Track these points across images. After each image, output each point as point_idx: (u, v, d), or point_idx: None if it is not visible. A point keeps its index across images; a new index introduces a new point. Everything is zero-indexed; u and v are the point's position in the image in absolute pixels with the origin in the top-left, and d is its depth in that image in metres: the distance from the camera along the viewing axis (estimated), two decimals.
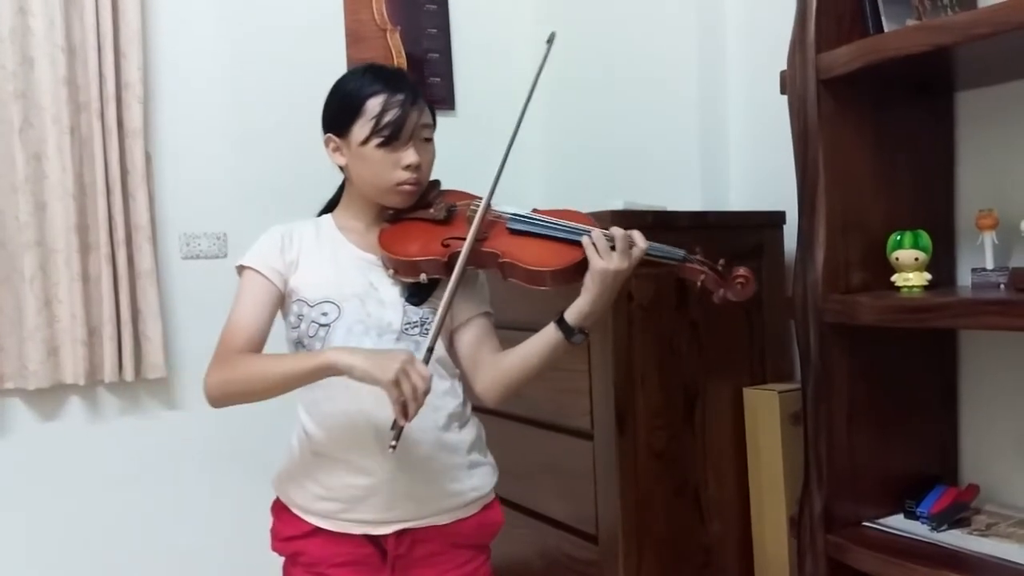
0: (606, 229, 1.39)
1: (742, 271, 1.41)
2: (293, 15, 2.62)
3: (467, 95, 2.87)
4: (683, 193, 2.31)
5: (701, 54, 2.30)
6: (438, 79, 2.83)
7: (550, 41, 1.47)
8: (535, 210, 1.50)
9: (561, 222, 1.44)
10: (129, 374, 2.34)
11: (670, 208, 2.01)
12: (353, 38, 2.71)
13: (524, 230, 1.44)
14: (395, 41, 2.76)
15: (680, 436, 1.88)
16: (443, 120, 2.77)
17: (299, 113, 2.60)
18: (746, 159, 2.29)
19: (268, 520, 2.57)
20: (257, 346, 1.42)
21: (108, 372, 2.31)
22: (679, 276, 1.45)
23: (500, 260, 1.41)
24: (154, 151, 2.43)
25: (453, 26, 2.87)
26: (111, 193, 2.31)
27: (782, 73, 1.62)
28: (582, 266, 1.39)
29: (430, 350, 1.33)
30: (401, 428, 1.27)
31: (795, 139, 1.59)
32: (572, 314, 1.38)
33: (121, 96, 2.33)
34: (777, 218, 2.03)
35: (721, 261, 1.42)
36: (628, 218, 1.80)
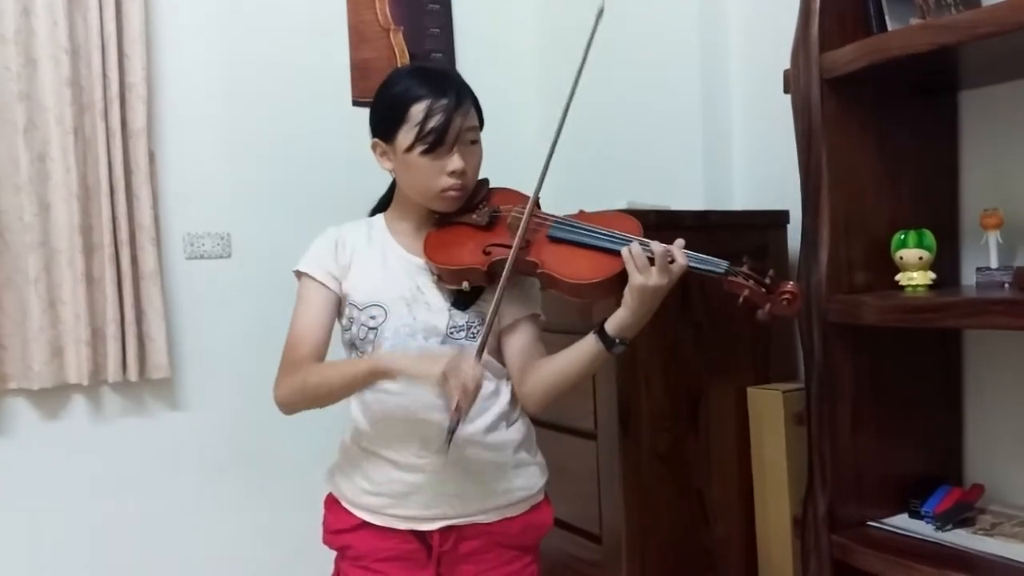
0: (647, 239, 1.33)
1: (790, 286, 1.31)
2: (296, 15, 2.62)
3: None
4: (686, 193, 2.30)
5: (704, 53, 2.30)
6: None
7: (599, 16, 1.42)
8: (582, 211, 1.47)
9: (603, 230, 1.38)
10: (133, 374, 2.34)
11: (674, 208, 2.01)
12: (356, 38, 2.71)
13: (565, 238, 1.40)
14: (398, 41, 2.76)
15: (684, 436, 1.88)
16: None
17: (303, 112, 2.62)
18: (749, 158, 2.29)
19: (270, 519, 2.59)
20: (321, 353, 1.43)
21: (112, 372, 2.31)
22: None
23: (539, 271, 1.39)
24: (158, 151, 2.43)
25: (456, 26, 2.87)
26: (115, 193, 2.31)
27: (786, 72, 1.61)
28: (622, 278, 1.34)
29: (480, 350, 1.33)
30: (453, 427, 1.28)
31: (799, 138, 1.59)
32: (612, 325, 1.35)
33: (125, 97, 2.33)
34: (781, 217, 2.03)
35: (770, 273, 1.33)
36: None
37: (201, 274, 2.51)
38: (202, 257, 2.51)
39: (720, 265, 1.34)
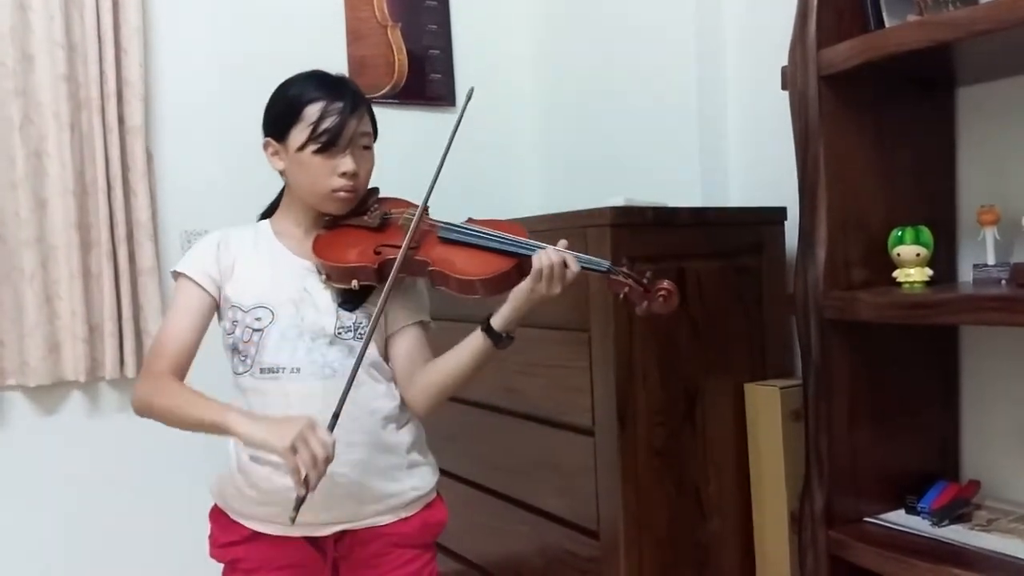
0: (544, 242, 1.39)
1: (665, 284, 1.40)
2: (294, 12, 2.62)
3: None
4: (683, 189, 2.30)
5: (701, 49, 2.30)
6: (439, 76, 2.83)
7: (468, 97, 1.47)
8: (470, 220, 1.50)
9: (493, 232, 1.45)
10: (130, 371, 2.34)
11: (670, 205, 2.01)
12: (354, 35, 2.71)
13: (455, 239, 1.45)
14: (395, 38, 2.76)
15: (681, 433, 1.88)
16: (443, 116, 2.81)
17: None
18: (746, 156, 2.29)
19: None
20: (185, 357, 1.43)
21: (109, 369, 2.31)
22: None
23: (430, 268, 1.43)
24: (154, 148, 2.43)
25: (454, 22, 2.87)
26: (112, 190, 2.31)
27: (783, 69, 1.61)
28: (511, 275, 1.40)
29: (335, 416, 1.29)
30: (301, 499, 1.24)
31: (796, 135, 1.59)
32: (500, 322, 1.40)
33: (122, 93, 2.33)
34: (778, 214, 2.03)
35: (647, 274, 1.42)
36: (628, 215, 1.80)
37: None
38: None
39: (602, 264, 1.43)
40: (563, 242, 1.41)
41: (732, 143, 2.32)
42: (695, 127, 2.30)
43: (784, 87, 1.62)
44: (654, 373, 1.84)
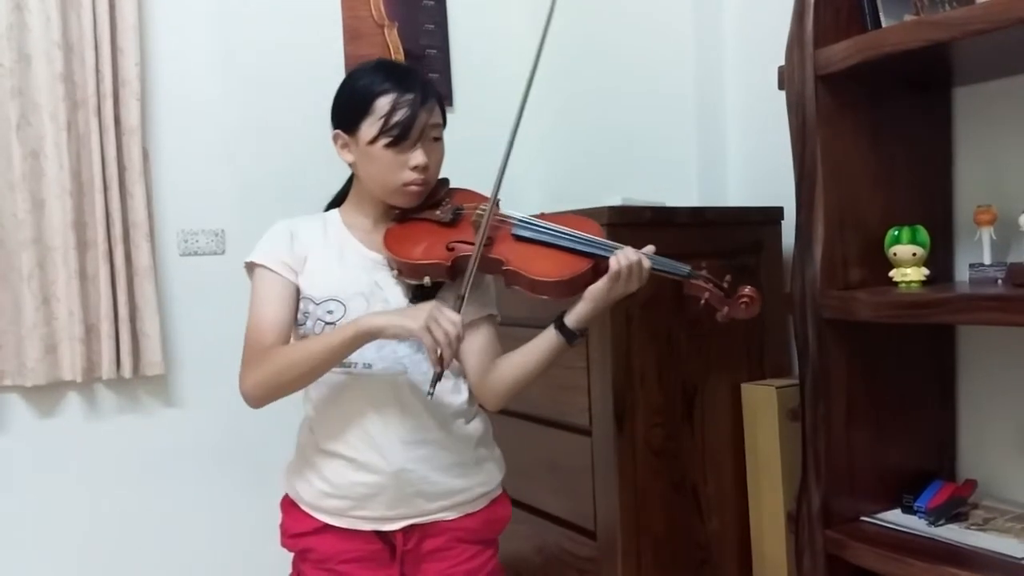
0: (618, 244, 1.39)
1: (747, 290, 1.39)
2: (290, 11, 2.61)
3: (465, 91, 2.87)
4: (681, 189, 2.30)
5: (698, 49, 2.30)
6: (436, 75, 2.83)
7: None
8: (542, 214, 1.48)
9: (567, 230, 1.42)
10: (127, 371, 2.33)
11: (668, 204, 2.01)
12: (350, 34, 2.70)
13: (529, 237, 1.43)
14: (393, 37, 2.76)
15: (678, 432, 1.88)
16: None
17: (297, 109, 2.61)
18: (744, 155, 2.29)
19: (265, 516, 2.57)
20: (285, 342, 1.41)
21: (106, 369, 2.31)
22: (684, 292, 1.43)
23: (504, 268, 1.40)
24: (151, 148, 2.43)
25: (451, 22, 2.87)
26: (108, 190, 2.30)
27: (780, 68, 1.62)
28: (586, 277, 1.38)
29: (461, 298, 1.33)
30: (439, 375, 1.29)
31: (793, 135, 1.59)
32: (573, 319, 1.40)
33: (118, 93, 2.32)
34: (775, 214, 2.03)
35: (727, 278, 1.40)
36: (625, 214, 1.80)
37: (195, 271, 2.50)
38: (196, 254, 2.51)
39: (682, 269, 1.42)
40: (650, 248, 1.41)
41: (730, 142, 2.32)
42: (693, 126, 2.31)
43: (781, 86, 1.62)
44: (652, 373, 1.84)
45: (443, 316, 1.26)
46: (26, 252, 2.23)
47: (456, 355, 1.29)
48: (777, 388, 1.86)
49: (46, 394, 2.33)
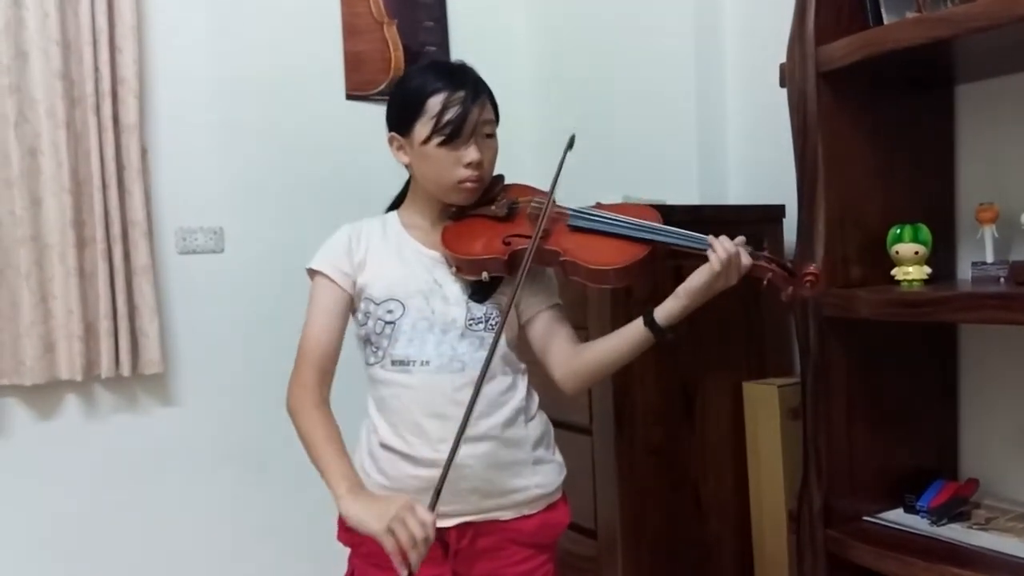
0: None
1: (812, 268, 1.34)
2: (289, 9, 2.61)
3: None
4: (681, 187, 2.30)
5: (699, 46, 2.29)
6: None
7: (570, 146, 1.45)
8: (599, 204, 1.47)
9: (623, 218, 1.41)
10: (126, 370, 2.33)
11: (668, 202, 2.00)
12: (349, 31, 2.69)
13: (585, 227, 1.42)
14: (391, 34, 2.75)
15: (679, 431, 1.88)
16: None
17: (296, 107, 2.61)
18: (745, 153, 2.29)
19: (263, 514, 2.59)
20: (329, 361, 1.43)
21: (104, 368, 2.30)
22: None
23: (561, 259, 1.40)
24: (150, 146, 2.42)
25: (450, 19, 2.86)
26: (107, 188, 2.29)
27: (781, 66, 1.61)
28: (645, 263, 1.37)
29: (437, 492, 1.27)
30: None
31: (794, 132, 1.59)
32: (663, 315, 1.36)
33: (116, 90, 2.32)
34: (776, 212, 2.02)
35: (789, 259, 1.38)
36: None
37: (194, 269, 2.50)
38: (195, 252, 2.50)
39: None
40: (740, 239, 1.36)
41: (731, 140, 2.31)
42: (694, 124, 2.30)
43: (783, 84, 1.61)
44: (652, 372, 1.84)
45: (412, 517, 1.21)
46: (24, 249, 2.22)
47: (423, 557, 1.22)
48: (778, 387, 1.86)
49: (44, 393, 2.32)
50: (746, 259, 1.33)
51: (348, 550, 1.52)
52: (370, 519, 1.24)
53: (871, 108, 1.60)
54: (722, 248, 1.32)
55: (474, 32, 2.88)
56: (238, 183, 2.54)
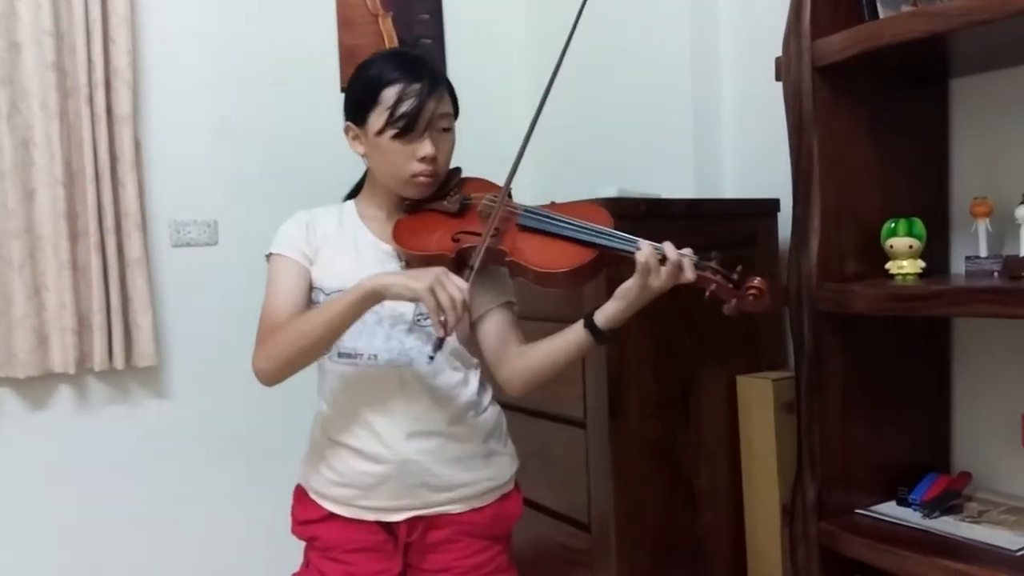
0: (657, 243, 1.30)
1: (756, 282, 1.28)
2: (284, 1, 2.60)
3: (460, 81, 2.82)
4: (677, 181, 2.30)
5: (695, 40, 2.29)
6: None
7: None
8: (553, 203, 1.46)
9: (573, 220, 1.38)
10: (119, 362, 2.32)
11: (664, 196, 2.00)
12: (344, 23, 2.68)
13: (535, 227, 1.40)
14: (387, 26, 2.74)
15: (674, 425, 1.88)
16: None
17: (290, 99, 2.60)
18: (740, 147, 2.29)
19: (257, 507, 2.59)
20: None
21: (98, 361, 2.29)
22: (692, 284, 1.32)
23: (508, 259, 1.39)
24: (143, 137, 2.41)
25: (446, 11, 2.85)
26: (100, 180, 2.28)
27: (777, 60, 1.61)
28: (592, 268, 1.35)
29: (471, 268, 1.31)
30: (441, 340, 1.27)
31: (790, 127, 1.59)
32: (603, 318, 1.35)
33: (110, 82, 2.30)
34: (771, 206, 2.03)
35: (738, 268, 1.30)
36: (621, 206, 1.80)
37: (188, 261, 2.49)
38: (188, 244, 2.49)
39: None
40: (687, 250, 1.31)
41: (726, 134, 2.31)
42: (689, 118, 2.30)
43: (778, 78, 1.61)
44: (647, 365, 1.84)
45: (450, 281, 1.24)
46: (16, 241, 2.21)
47: (460, 322, 1.26)
48: (773, 381, 1.86)
49: (37, 385, 2.31)
50: (673, 254, 1.28)
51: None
52: (411, 281, 1.25)
53: (866, 102, 1.60)
54: (646, 249, 1.29)
55: (470, 25, 2.88)
56: (232, 176, 2.53)
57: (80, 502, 2.37)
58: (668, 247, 1.29)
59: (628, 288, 1.32)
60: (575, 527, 1.92)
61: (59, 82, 2.24)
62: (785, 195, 1.69)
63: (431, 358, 1.29)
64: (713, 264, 1.31)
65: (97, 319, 2.28)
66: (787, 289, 1.61)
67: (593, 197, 1.79)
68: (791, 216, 1.61)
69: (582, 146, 2.72)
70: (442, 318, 1.23)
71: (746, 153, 2.27)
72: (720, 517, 1.95)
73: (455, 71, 2.85)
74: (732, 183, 2.30)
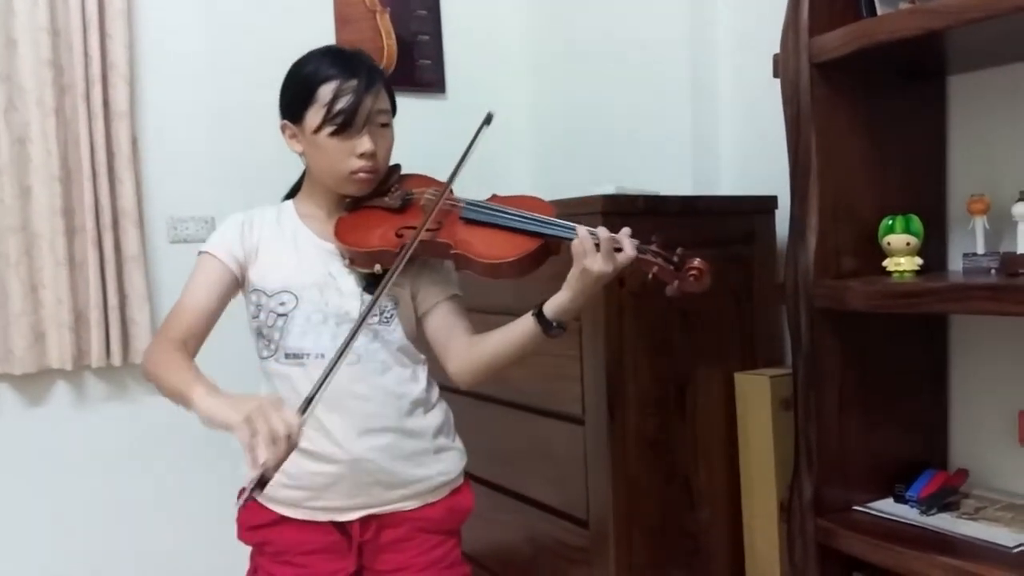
0: (593, 228, 1.32)
1: (696, 263, 1.31)
2: None
3: (457, 77, 2.85)
4: (674, 178, 2.30)
5: (692, 37, 2.29)
6: (428, 61, 2.81)
7: (487, 123, 1.43)
8: (495, 196, 1.46)
9: (515, 211, 1.40)
10: (116, 359, 2.32)
11: (661, 193, 2.00)
12: (342, 19, 2.68)
13: (478, 219, 1.41)
14: (384, 22, 2.74)
15: (671, 422, 1.88)
16: (433, 103, 2.79)
17: None
18: (737, 144, 2.28)
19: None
20: (199, 327, 1.40)
21: (95, 357, 2.29)
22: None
23: (453, 251, 1.39)
24: (140, 134, 2.40)
25: (443, 7, 2.84)
26: (97, 176, 2.28)
27: (775, 56, 1.60)
28: (537, 256, 1.36)
29: (308, 399, 1.20)
30: (252, 487, 1.07)
31: (787, 123, 1.58)
32: (551, 308, 1.36)
33: (107, 78, 2.30)
34: (768, 203, 2.02)
35: (678, 250, 1.34)
36: (619, 203, 1.80)
37: (185, 258, 2.44)
38: (186, 241, 2.49)
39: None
40: (626, 229, 1.33)
41: (723, 131, 2.31)
42: (686, 115, 2.30)
43: (776, 74, 1.61)
44: (644, 362, 1.84)
45: (275, 413, 1.10)
46: (13, 238, 2.21)
47: (283, 460, 1.10)
48: (770, 378, 1.86)
49: (34, 382, 2.31)
50: (629, 250, 1.30)
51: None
52: (226, 409, 1.14)
53: (864, 99, 1.60)
54: (581, 233, 1.30)
55: (467, 21, 2.87)
56: (230, 172, 2.53)
57: (77, 498, 2.37)
58: (602, 231, 1.31)
59: (571, 275, 1.33)
60: (573, 523, 1.92)
61: (55, 78, 2.24)
62: (783, 192, 1.69)
63: (244, 504, 1.13)
64: (653, 247, 1.34)
65: (94, 315, 2.28)
66: (784, 286, 1.61)
67: (591, 194, 1.79)
68: (788, 213, 1.61)
69: (579, 143, 2.72)
70: (254, 454, 1.07)
71: (743, 150, 2.27)
72: (718, 513, 1.95)
73: (452, 67, 2.85)
74: (729, 180, 2.30)
